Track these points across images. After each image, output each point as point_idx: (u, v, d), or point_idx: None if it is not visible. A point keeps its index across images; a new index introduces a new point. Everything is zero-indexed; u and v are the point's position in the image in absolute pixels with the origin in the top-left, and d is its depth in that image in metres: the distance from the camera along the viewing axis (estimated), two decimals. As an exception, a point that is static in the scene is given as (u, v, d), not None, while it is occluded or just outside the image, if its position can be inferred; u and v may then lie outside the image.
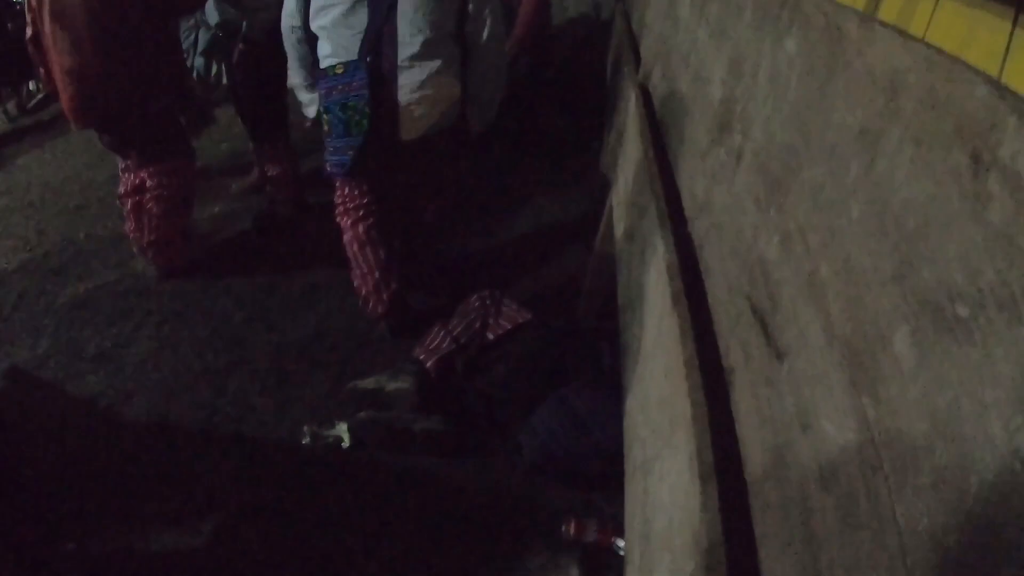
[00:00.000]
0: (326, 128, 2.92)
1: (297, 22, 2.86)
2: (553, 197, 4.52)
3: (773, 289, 1.14)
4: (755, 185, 1.32)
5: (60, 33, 3.19)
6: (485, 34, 2.84)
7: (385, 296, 3.21)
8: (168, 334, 3.46)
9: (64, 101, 3.41)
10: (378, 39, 2.71)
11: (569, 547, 2.35)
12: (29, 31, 3.33)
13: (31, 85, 6.40)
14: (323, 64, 2.83)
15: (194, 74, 4.49)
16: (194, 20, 3.99)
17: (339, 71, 2.76)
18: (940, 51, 0.77)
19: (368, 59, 2.71)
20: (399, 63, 2.74)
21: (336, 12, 2.72)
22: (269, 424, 2.92)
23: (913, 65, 0.81)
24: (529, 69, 4.65)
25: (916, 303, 0.72)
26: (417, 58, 2.74)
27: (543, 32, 4.75)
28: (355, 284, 3.26)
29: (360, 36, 2.71)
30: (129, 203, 3.77)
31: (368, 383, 2.89)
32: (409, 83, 2.76)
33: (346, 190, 3.09)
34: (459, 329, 3.02)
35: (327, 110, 2.87)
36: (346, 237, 3.19)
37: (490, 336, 3.02)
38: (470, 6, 2.80)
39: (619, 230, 2.63)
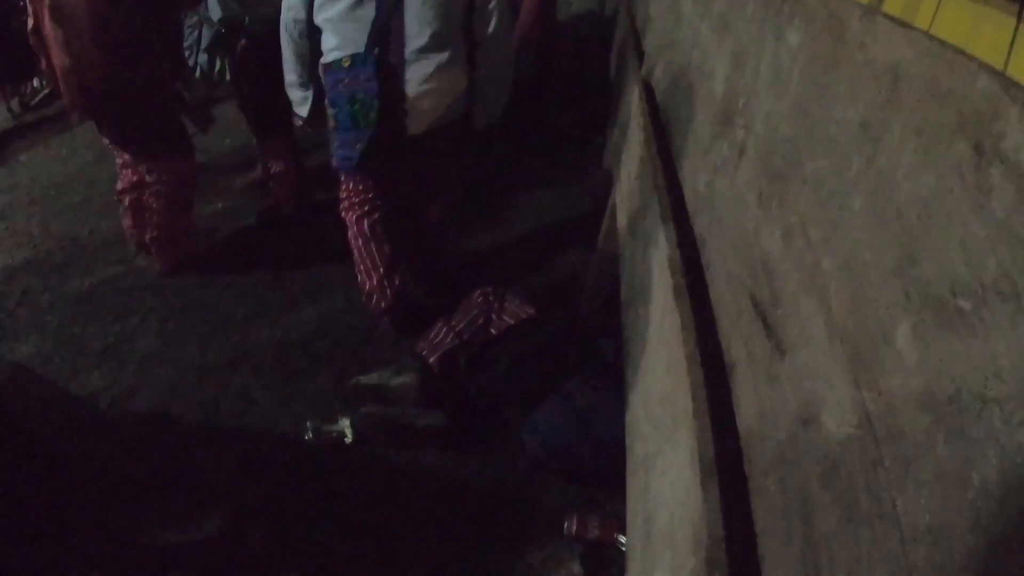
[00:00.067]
0: (332, 122, 2.90)
1: (300, 15, 2.83)
2: (556, 193, 4.51)
3: (775, 284, 1.14)
4: (757, 179, 1.32)
5: (60, 27, 3.18)
6: (491, 28, 2.83)
7: (389, 292, 3.20)
8: (171, 330, 3.46)
9: (63, 92, 3.41)
10: (385, 32, 2.69)
11: (571, 543, 2.35)
12: (31, 22, 3.33)
13: (35, 82, 6.40)
14: (329, 57, 2.79)
15: (197, 71, 4.49)
16: (197, 17, 3.99)
17: (346, 64, 2.73)
18: (942, 42, 0.77)
19: (375, 52, 2.70)
20: (406, 56, 2.72)
21: (343, 5, 2.70)
22: (272, 419, 2.92)
23: (915, 57, 0.80)
24: (532, 66, 4.63)
25: (918, 296, 0.72)
26: (425, 51, 2.72)
27: (547, 28, 4.73)
28: (359, 280, 3.25)
29: (367, 29, 2.68)
30: (127, 199, 3.77)
31: (371, 378, 2.89)
32: (416, 76, 2.75)
33: (351, 185, 3.08)
34: (462, 325, 3.02)
35: (333, 104, 2.85)
36: (351, 233, 3.17)
37: (493, 332, 3.02)
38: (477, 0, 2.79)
39: (622, 226, 2.62)
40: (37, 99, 6.39)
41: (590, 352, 2.95)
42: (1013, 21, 0.69)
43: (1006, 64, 0.67)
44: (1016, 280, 0.57)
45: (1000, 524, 0.54)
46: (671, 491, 1.32)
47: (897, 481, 0.70)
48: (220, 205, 4.55)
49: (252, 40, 3.76)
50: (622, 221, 2.63)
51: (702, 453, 1.16)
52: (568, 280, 3.54)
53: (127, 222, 3.85)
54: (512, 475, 2.62)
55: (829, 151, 1.01)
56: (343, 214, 3.17)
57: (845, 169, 0.94)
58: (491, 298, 3.07)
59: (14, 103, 6.25)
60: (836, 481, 0.83)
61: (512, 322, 3.01)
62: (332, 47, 2.77)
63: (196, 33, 4.68)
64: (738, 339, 1.29)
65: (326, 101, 2.90)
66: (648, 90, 2.76)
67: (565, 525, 2.36)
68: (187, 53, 4.04)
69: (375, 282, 3.19)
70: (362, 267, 3.21)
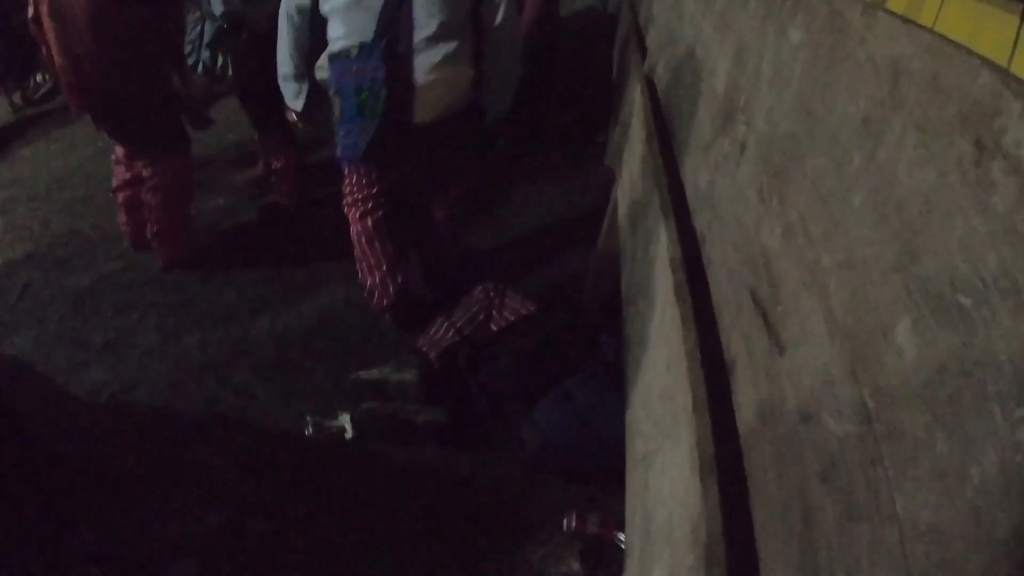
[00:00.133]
0: (337, 112, 2.88)
1: (305, 3, 2.81)
2: (557, 190, 4.51)
3: (775, 280, 1.13)
4: (758, 176, 1.31)
5: (59, 25, 3.18)
6: (499, 18, 2.82)
7: (392, 290, 3.20)
8: (172, 325, 3.47)
9: (62, 88, 3.41)
10: (393, 21, 2.67)
11: (570, 540, 2.35)
12: (31, 11, 3.32)
13: (38, 77, 6.40)
14: (336, 47, 2.77)
15: (200, 67, 4.48)
16: (200, 12, 3.98)
17: (353, 53, 2.72)
18: (943, 38, 0.76)
19: (383, 41, 2.69)
20: (414, 45, 2.71)
21: None
22: (272, 415, 2.92)
23: (916, 52, 0.80)
24: (534, 63, 4.63)
25: (918, 293, 0.72)
26: (433, 40, 2.71)
27: (548, 25, 4.72)
28: (360, 276, 3.25)
29: (375, 18, 2.65)
30: (121, 197, 3.77)
31: (371, 374, 2.89)
32: (424, 65, 2.73)
33: (354, 179, 3.06)
34: (463, 321, 3.02)
35: (339, 93, 2.82)
36: (354, 230, 3.16)
37: (493, 328, 3.02)
38: None
39: (623, 223, 2.62)
40: (39, 94, 6.39)
41: (590, 349, 2.95)
42: (1016, 21, 0.68)
43: (1009, 63, 0.67)
44: (1017, 276, 0.57)
45: (999, 522, 0.54)
46: (670, 488, 1.32)
47: (896, 478, 0.70)
48: (221, 201, 4.54)
49: (253, 35, 3.76)
50: (623, 218, 2.63)
51: (701, 450, 1.16)
52: (569, 277, 3.54)
53: (122, 219, 3.85)
54: (512, 472, 2.62)
55: (830, 147, 1.01)
56: (346, 210, 3.15)
57: (846, 165, 0.94)
58: (492, 295, 3.07)
59: (16, 97, 6.25)
60: (835, 478, 0.82)
61: (513, 319, 3.01)
62: (339, 36, 2.75)
63: (199, 28, 4.67)
64: (738, 336, 1.29)
65: (331, 91, 2.88)
66: (650, 87, 2.76)
67: (564, 522, 2.36)
68: (189, 48, 4.03)
69: (378, 280, 3.19)
70: (364, 264, 3.20)
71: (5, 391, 2.32)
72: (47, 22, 3.20)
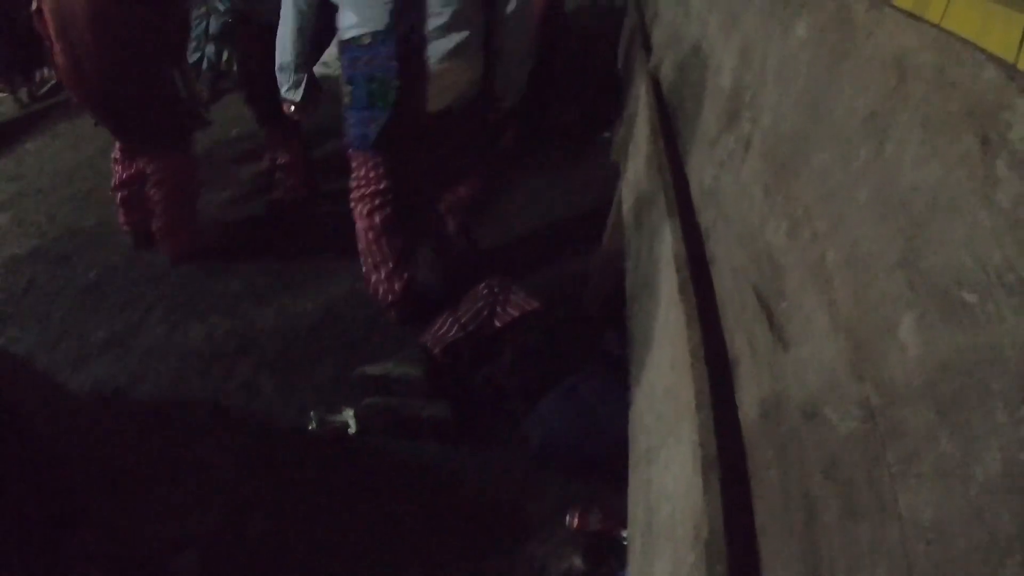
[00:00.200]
0: (347, 100, 2.86)
1: None
2: (562, 187, 4.51)
3: (779, 277, 1.13)
4: (763, 172, 1.31)
5: (59, 23, 3.18)
6: (512, 6, 2.81)
7: (397, 286, 3.19)
8: (177, 320, 3.47)
9: (64, 79, 3.41)
10: (406, 9, 2.66)
11: (573, 536, 2.35)
12: (34, 4, 3.32)
13: (44, 71, 6.41)
14: (348, 34, 2.74)
15: (205, 62, 4.50)
16: (205, 8, 3.99)
17: (366, 42, 2.69)
18: (949, 33, 0.76)
19: (396, 30, 2.66)
20: (427, 33, 2.70)
21: None
22: (276, 409, 2.92)
23: (921, 47, 0.80)
24: (539, 59, 4.62)
25: (923, 289, 0.71)
26: (446, 29, 2.69)
27: (554, 21, 4.72)
28: (364, 271, 3.24)
29: (388, 6, 2.62)
30: (120, 195, 3.77)
31: (375, 369, 2.89)
32: (437, 53, 2.72)
33: (362, 172, 3.03)
34: (467, 316, 3.01)
35: (350, 81, 2.80)
36: (361, 225, 3.14)
37: (498, 324, 3.01)
38: None
39: (628, 219, 2.62)
40: (45, 89, 6.40)
41: (594, 346, 2.95)
42: (1023, 18, 0.68)
43: (1016, 60, 0.66)
44: (1022, 272, 0.57)
45: (1002, 519, 0.54)
46: (673, 485, 1.32)
47: (899, 476, 0.70)
48: (227, 195, 4.54)
49: (258, 29, 3.76)
50: (628, 215, 2.63)
51: (704, 447, 1.15)
52: (573, 273, 3.53)
53: (121, 218, 3.86)
54: (515, 468, 2.62)
55: (836, 143, 1.00)
56: (353, 204, 3.13)
57: (851, 161, 0.93)
58: (496, 290, 3.07)
59: (22, 93, 6.26)
60: (837, 475, 0.82)
61: (517, 315, 3.01)
62: (351, 24, 2.72)
63: (204, 23, 4.69)
64: (742, 333, 1.28)
65: (341, 78, 2.86)
66: (655, 84, 2.75)
67: (567, 518, 2.36)
68: (195, 44, 4.04)
69: (384, 276, 3.18)
70: (370, 260, 3.19)
71: (6, 390, 2.32)
72: (48, 18, 3.20)
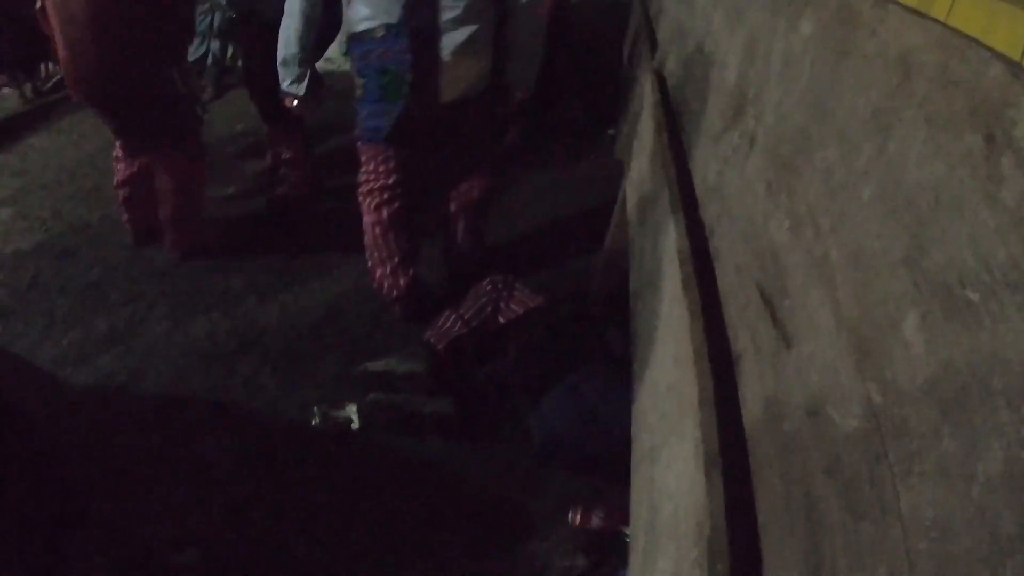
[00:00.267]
0: (359, 92, 2.87)
1: None
2: (566, 183, 4.51)
3: (782, 274, 1.13)
4: (767, 169, 1.31)
5: (61, 18, 3.18)
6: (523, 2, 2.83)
7: (402, 282, 3.20)
8: (180, 315, 3.47)
9: (66, 76, 3.41)
10: (419, 2, 2.66)
11: (575, 534, 2.35)
12: (39, 3, 3.33)
13: (49, 67, 6.41)
14: (360, 27, 2.75)
15: (210, 57, 4.50)
16: (210, 3, 3.98)
17: (379, 35, 2.70)
18: (954, 30, 0.75)
19: (409, 23, 2.67)
20: (440, 26, 2.70)
21: None
22: (279, 405, 2.93)
23: (926, 44, 0.79)
24: (544, 54, 4.61)
25: (926, 287, 0.71)
26: (458, 22, 2.71)
27: (560, 16, 4.71)
28: (370, 265, 3.24)
29: (402, 0, 2.66)
30: (123, 193, 3.77)
31: (378, 365, 2.89)
32: (449, 46, 2.73)
33: (372, 166, 3.04)
34: (470, 313, 3.01)
35: (362, 74, 2.82)
36: (368, 219, 3.14)
37: (501, 320, 3.01)
38: None
39: (632, 216, 2.62)
40: (50, 84, 6.40)
41: (598, 342, 2.95)
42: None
43: (1022, 58, 0.66)
44: (1026, 271, 0.56)
45: (1004, 519, 0.53)
46: (675, 482, 1.31)
47: (901, 474, 0.70)
48: (230, 191, 4.55)
49: (261, 25, 3.76)
50: (632, 211, 2.63)
51: (707, 444, 1.15)
52: (577, 269, 3.53)
53: (124, 215, 3.86)
54: (517, 465, 2.62)
55: (840, 140, 1.00)
56: (361, 199, 3.13)
57: (855, 158, 0.93)
58: (500, 287, 3.07)
59: (27, 88, 6.26)
60: (840, 473, 0.82)
61: (521, 311, 3.01)
62: (364, 16, 2.73)
63: (209, 19, 4.68)
64: (745, 330, 1.28)
65: (352, 71, 2.86)
66: (660, 80, 2.75)
67: (569, 515, 2.36)
68: (200, 39, 4.04)
69: (389, 271, 3.18)
70: (376, 254, 3.19)
71: (6, 389, 2.31)
72: (51, 15, 3.21)
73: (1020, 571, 0.51)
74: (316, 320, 3.42)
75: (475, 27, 2.73)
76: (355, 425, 2.76)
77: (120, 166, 3.70)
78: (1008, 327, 0.57)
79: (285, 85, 3.04)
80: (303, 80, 3.00)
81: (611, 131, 4.87)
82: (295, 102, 3.08)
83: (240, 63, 4.06)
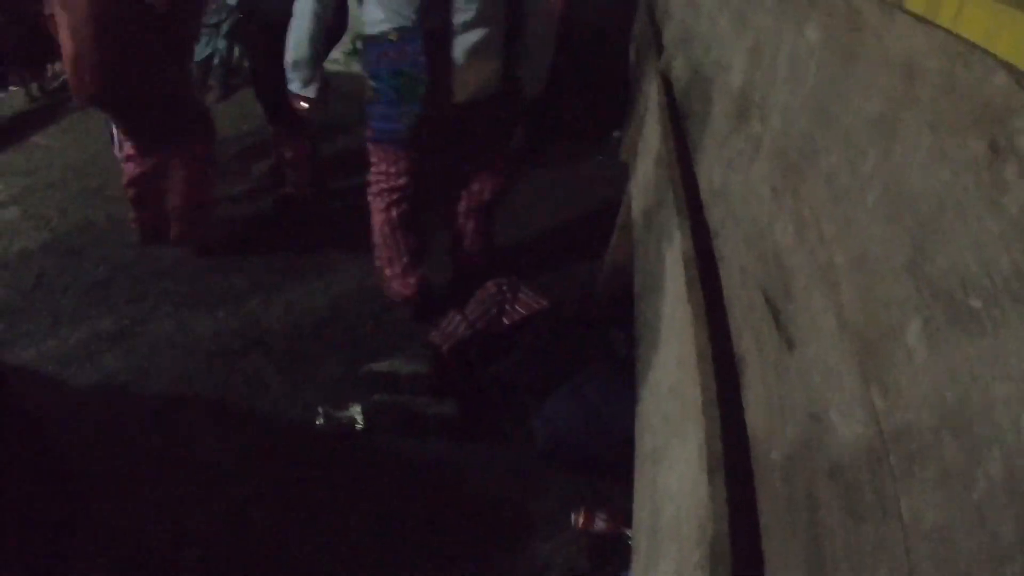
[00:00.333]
0: (370, 94, 2.87)
1: None
2: (572, 185, 4.51)
3: (786, 278, 1.13)
4: (772, 173, 1.31)
5: (66, 15, 3.19)
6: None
7: (412, 280, 3.20)
8: (184, 315, 3.48)
9: (68, 76, 3.42)
10: (433, 5, 2.67)
11: (578, 536, 2.35)
12: (47, 9, 3.33)
13: (56, 66, 6.42)
14: (374, 30, 2.75)
15: (216, 57, 4.50)
16: (217, 3, 3.99)
17: (393, 38, 2.70)
18: (958, 37, 0.76)
19: (424, 26, 2.67)
20: (453, 28, 2.71)
21: None
22: (283, 404, 2.93)
23: (931, 50, 0.80)
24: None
25: (929, 294, 0.71)
26: (471, 25, 2.71)
27: (566, 17, 4.70)
28: (378, 265, 3.25)
29: (416, 3, 2.64)
30: (130, 193, 3.78)
31: (383, 366, 2.89)
32: (462, 48, 2.74)
33: (383, 166, 3.04)
34: (475, 315, 3.02)
35: (375, 76, 2.82)
36: (378, 219, 3.15)
37: (506, 322, 3.02)
38: None
39: (637, 218, 2.62)
40: (56, 83, 6.41)
41: (602, 344, 2.95)
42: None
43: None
44: (1028, 279, 0.57)
45: (1003, 525, 0.54)
46: (678, 485, 1.32)
47: (902, 479, 0.70)
48: (235, 190, 4.55)
49: (267, 25, 3.76)
50: (637, 214, 2.63)
51: (710, 447, 1.16)
52: (582, 272, 3.53)
53: (132, 215, 3.87)
54: (521, 466, 2.63)
55: (845, 145, 1.00)
56: (371, 198, 3.13)
57: (860, 164, 0.93)
58: (505, 289, 3.08)
59: (33, 88, 6.28)
60: (841, 478, 0.82)
61: (525, 314, 3.02)
62: (378, 19, 2.72)
63: (215, 19, 4.69)
64: (749, 333, 1.29)
65: (366, 73, 2.87)
66: (666, 83, 2.75)
67: (572, 517, 2.37)
68: (207, 39, 4.04)
69: (399, 270, 3.19)
70: (384, 254, 3.19)
71: (12, 392, 2.32)
72: (56, 13, 3.21)
73: (1020, 577, 0.52)
74: (320, 320, 3.42)
75: (487, 30, 2.74)
76: (359, 426, 2.76)
77: (130, 166, 3.71)
78: (1010, 334, 0.58)
79: (295, 88, 3.02)
80: (313, 83, 2.99)
81: (617, 133, 4.87)
82: (304, 105, 3.07)
83: (246, 63, 4.06)
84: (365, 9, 2.75)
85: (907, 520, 0.68)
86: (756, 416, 1.18)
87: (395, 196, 3.05)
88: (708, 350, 1.35)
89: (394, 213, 3.07)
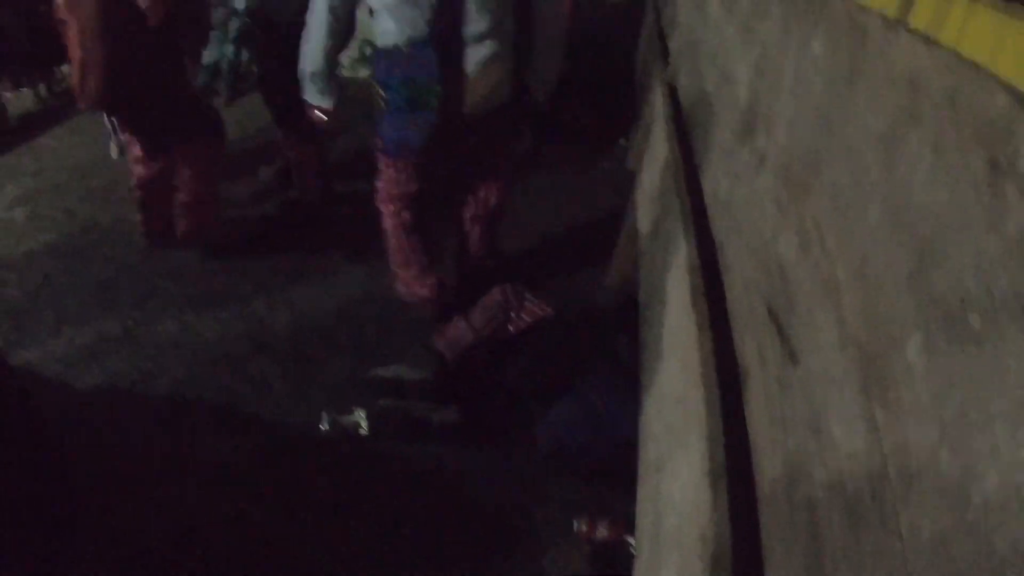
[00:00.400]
0: (382, 104, 2.87)
1: None
2: (578, 193, 4.52)
3: (790, 290, 1.14)
4: (776, 186, 1.32)
5: (73, 16, 3.20)
6: (545, 4, 2.87)
7: (430, 281, 3.21)
8: (189, 317, 3.49)
9: (74, 78, 3.44)
10: (445, 16, 2.67)
11: (580, 543, 2.36)
12: (57, 12, 3.35)
13: (64, 67, 6.44)
14: (386, 41, 2.75)
15: (224, 62, 4.48)
16: (224, 8, 4.00)
17: (404, 49, 2.71)
18: (961, 56, 0.77)
19: (436, 37, 2.68)
20: (464, 39, 2.72)
21: None
22: (288, 408, 2.94)
23: (935, 67, 0.80)
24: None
25: (929, 309, 0.72)
26: (483, 36, 2.72)
27: (572, 26, 4.71)
28: (393, 269, 3.26)
29: (427, 13, 2.65)
30: (139, 196, 3.79)
31: (388, 371, 2.90)
32: (474, 59, 2.75)
33: (393, 173, 3.04)
34: (481, 322, 3.03)
35: (386, 86, 2.82)
36: (391, 223, 3.16)
37: (511, 330, 3.03)
38: None
39: (642, 228, 2.63)
40: (65, 84, 6.43)
41: (607, 352, 2.96)
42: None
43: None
44: (1026, 298, 0.58)
45: (999, 539, 0.55)
46: (681, 493, 1.32)
47: (901, 493, 0.71)
48: (242, 194, 4.57)
49: (275, 30, 3.78)
50: (643, 223, 2.64)
51: (712, 457, 1.16)
52: (587, 280, 3.54)
53: (139, 217, 3.88)
54: (524, 473, 2.63)
55: (848, 160, 1.01)
56: (382, 205, 3.15)
57: (863, 178, 0.94)
58: (510, 296, 3.08)
59: (41, 89, 6.29)
60: (841, 491, 0.83)
61: (530, 321, 3.02)
62: (389, 30, 2.73)
63: (225, 25, 4.67)
64: (752, 344, 1.29)
65: (377, 82, 2.87)
66: (672, 93, 2.76)
67: (575, 524, 2.37)
68: (215, 43, 4.04)
69: (416, 271, 3.20)
70: (399, 258, 3.20)
71: (18, 393, 2.33)
72: (64, 14, 3.23)
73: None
74: (326, 323, 3.43)
75: (499, 40, 2.75)
76: (363, 431, 2.77)
77: (138, 167, 3.72)
78: (1008, 351, 0.59)
79: (312, 99, 3.03)
80: (331, 92, 3.00)
81: (623, 141, 4.88)
82: (322, 116, 3.08)
83: (255, 68, 4.07)
84: (377, 21, 2.76)
85: (906, 533, 0.68)
86: (758, 427, 1.18)
87: (405, 202, 3.06)
88: (712, 361, 1.35)
89: (407, 218, 3.08)
